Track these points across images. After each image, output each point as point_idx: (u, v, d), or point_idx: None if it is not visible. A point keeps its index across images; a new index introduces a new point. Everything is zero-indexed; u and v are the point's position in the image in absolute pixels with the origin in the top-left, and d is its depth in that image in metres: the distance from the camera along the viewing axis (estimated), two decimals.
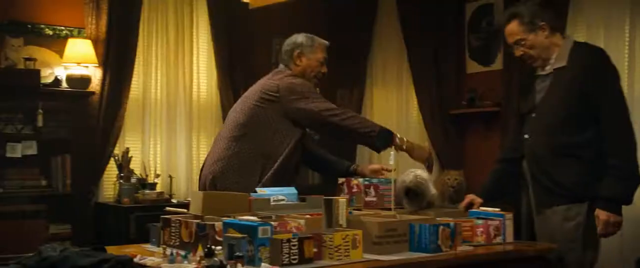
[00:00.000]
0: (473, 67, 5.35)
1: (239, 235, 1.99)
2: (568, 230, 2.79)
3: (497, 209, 2.72)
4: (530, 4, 2.95)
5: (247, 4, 3.12)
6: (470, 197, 2.97)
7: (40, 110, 4.42)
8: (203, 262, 1.96)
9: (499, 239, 2.61)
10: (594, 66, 2.81)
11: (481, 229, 2.58)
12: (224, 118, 5.33)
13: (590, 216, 2.77)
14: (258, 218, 2.16)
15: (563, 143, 2.81)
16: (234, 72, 5.41)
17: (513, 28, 2.90)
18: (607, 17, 4.34)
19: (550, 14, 2.93)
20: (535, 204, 2.94)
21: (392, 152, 2.76)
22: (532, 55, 2.90)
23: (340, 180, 2.96)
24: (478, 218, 2.63)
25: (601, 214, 2.72)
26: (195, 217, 2.42)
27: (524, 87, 3.11)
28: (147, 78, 5.11)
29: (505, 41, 3.02)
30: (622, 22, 4.28)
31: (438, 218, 2.50)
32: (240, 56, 5.46)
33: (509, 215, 2.65)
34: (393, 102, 5.86)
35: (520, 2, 3.07)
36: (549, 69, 2.90)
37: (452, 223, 2.37)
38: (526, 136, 2.93)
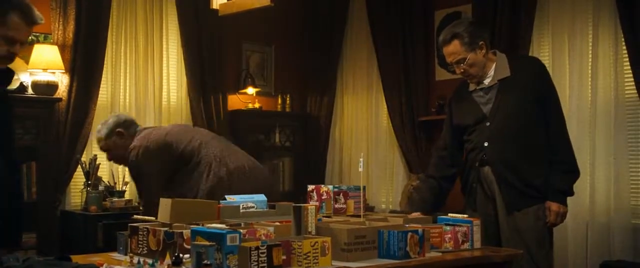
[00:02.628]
0: (442, 74, 5.40)
1: (207, 243, 1.97)
2: (539, 229, 2.98)
3: (464, 216, 2.76)
4: (468, 23, 3.12)
5: (216, 10, 3.11)
6: (415, 215, 2.98)
7: None
8: None
9: (467, 245, 2.63)
10: (541, 73, 3.08)
11: (449, 235, 2.60)
12: (194, 125, 5.32)
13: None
14: (226, 225, 2.15)
15: (530, 145, 3.01)
16: (204, 78, 5.39)
17: (454, 48, 3.07)
18: (571, 22, 4.43)
19: (487, 32, 3.16)
20: (504, 207, 3.01)
21: (361, 159, 2.77)
22: (471, 72, 3.09)
23: (310, 187, 2.96)
24: (446, 224, 2.65)
25: (553, 206, 2.97)
26: (163, 224, 2.40)
27: (458, 102, 3.23)
28: (116, 84, 5.06)
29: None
30: (585, 23, 4.38)
31: (406, 225, 2.52)
32: (210, 62, 5.44)
33: (477, 222, 2.69)
34: (363, 108, 5.89)
35: (458, 22, 3.21)
36: (489, 81, 3.06)
37: (420, 230, 2.39)
38: (486, 144, 3.02)
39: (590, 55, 4.32)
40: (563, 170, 3.00)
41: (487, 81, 3.10)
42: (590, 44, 4.32)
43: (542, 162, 3.00)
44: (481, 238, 2.70)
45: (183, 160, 3.38)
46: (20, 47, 2.39)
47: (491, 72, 3.09)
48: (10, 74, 2.52)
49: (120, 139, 3.48)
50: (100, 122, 3.63)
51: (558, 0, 4.53)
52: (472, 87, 3.17)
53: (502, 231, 3.06)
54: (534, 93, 3.00)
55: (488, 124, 3.06)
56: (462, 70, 3.08)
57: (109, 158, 3.65)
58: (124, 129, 3.49)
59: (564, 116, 3.10)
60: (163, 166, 3.38)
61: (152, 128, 3.67)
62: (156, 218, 2.58)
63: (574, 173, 3.05)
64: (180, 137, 3.44)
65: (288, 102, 6.07)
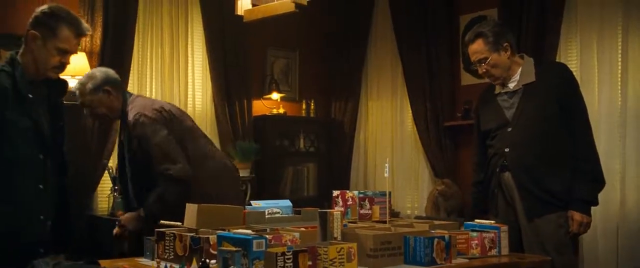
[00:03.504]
0: (467, 79, 5.36)
1: (234, 249, 1.98)
2: (560, 237, 2.93)
3: (492, 221, 2.73)
4: (494, 24, 3.12)
5: (241, 16, 3.12)
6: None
7: None
8: None
9: (494, 252, 2.60)
10: (567, 79, 3.02)
11: (476, 242, 2.57)
12: (219, 130, 5.36)
13: None
14: (252, 231, 2.15)
15: (551, 153, 2.96)
16: (229, 83, 5.42)
17: (478, 47, 3.07)
18: (600, 26, 4.37)
19: (512, 34, 3.10)
20: (524, 214, 2.98)
21: (386, 165, 2.76)
22: (493, 73, 3.06)
23: (335, 192, 2.96)
24: (473, 230, 2.62)
25: (575, 215, 2.92)
26: (190, 230, 2.41)
27: (483, 105, 3.21)
28: (142, 90, 5.10)
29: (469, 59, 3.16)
30: (615, 27, 4.31)
31: (433, 231, 2.49)
32: (234, 68, 5.46)
33: (504, 228, 2.65)
34: (388, 114, 5.87)
35: (485, 22, 3.21)
36: (513, 85, 3.02)
37: (447, 236, 2.36)
38: (507, 150, 2.99)
39: (619, 60, 4.24)
40: (588, 180, 2.94)
41: (511, 85, 3.07)
42: (620, 48, 4.25)
43: (564, 169, 2.95)
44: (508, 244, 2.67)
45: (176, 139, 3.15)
46: (70, 56, 2.58)
47: (516, 76, 3.06)
48: (64, 84, 2.72)
49: (107, 98, 3.19)
50: (85, 74, 3.29)
51: (586, 4, 4.45)
52: (497, 89, 3.14)
53: (523, 238, 3.03)
54: (558, 99, 2.96)
55: (510, 129, 3.03)
56: (484, 70, 3.07)
57: (88, 115, 3.37)
58: (112, 88, 3.20)
59: (590, 124, 3.03)
60: (172, 135, 3.13)
61: (146, 97, 3.58)
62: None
63: (599, 182, 2.99)
64: (179, 115, 3.33)
65: (312, 107, 6.07)
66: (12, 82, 2.47)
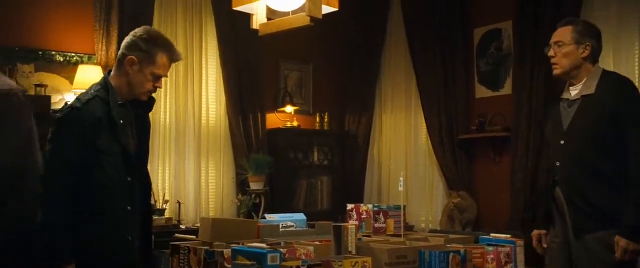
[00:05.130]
0: (482, 92, 5.34)
1: (248, 263, 1.97)
2: (609, 257, 2.78)
3: (508, 236, 2.70)
4: (590, 24, 3.04)
5: (256, 30, 3.13)
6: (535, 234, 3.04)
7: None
8: None
9: (510, 266, 2.57)
10: (623, 92, 2.86)
11: (492, 256, 2.54)
12: (233, 143, 5.37)
13: None
14: (267, 245, 2.14)
15: (600, 170, 2.84)
16: (243, 97, 5.43)
17: (563, 31, 2.97)
18: (617, 37, 4.34)
19: (598, 43, 2.97)
20: (573, 229, 2.92)
21: (401, 178, 2.74)
22: (560, 62, 2.95)
23: (350, 206, 2.95)
24: (489, 245, 2.60)
25: (621, 241, 2.74)
26: (204, 243, 2.41)
27: (549, 110, 3.13)
28: (157, 104, 5.05)
29: (544, 54, 3.07)
30: (632, 40, 4.28)
31: (448, 245, 2.47)
32: (248, 81, 5.48)
33: (520, 242, 2.62)
34: (402, 127, 5.86)
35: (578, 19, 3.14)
36: (575, 94, 2.94)
37: (462, 251, 2.34)
38: (557, 164, 2.94)
39: (637, 72, 4.21)
40: (636, 205, 2.74)
41: (573, 93, 2.97)
42: (637, 60, 4.22)
43: (616, 187, 2.81)
44: (524, 258, 2.63)
45: None
46: (162, 81, 2.64)
47: (580, 85, 2.96)
48: (152, 101, 2.76)
49: None
50: None
51: (603, 17, 4.42)
52: (564, 94, 3.03)
53: (573, 255, 2.94)
54: (612, 115, 2.83)
55: (562, 142, 2.94)
56: (553, 54, 2.97)
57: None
58: None
59: None
60: None
61: None
62: None
63: None
64: None
65: (326, 120, 6.07)
66: (106, 110, 2.50)
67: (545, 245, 3.04)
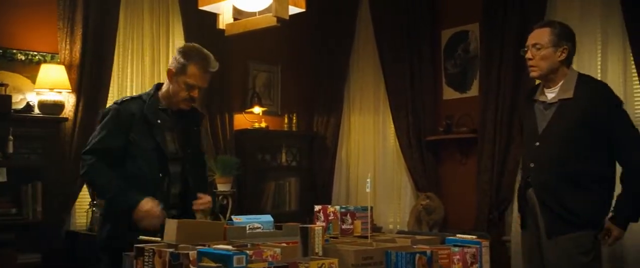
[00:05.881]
0: (449, 93, 5.38)
1: (214, 265, 1.95)
2: (579, 258, 2.87)
3: (473, 237, 2.71)
4: (567, 26, 3.06)
5: (223, 30, 3.10)
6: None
7: (11, 137, 4.33)
8: None
9: (475, 267, 2.59)
10: (601, 98, 2.93)
11: (458, 257, 2.56)
12: None
13: (597, 244, 2.91)
14: (233, 247, 2.12)
15: (574, 173, 2.89)
16: (210, 97, 5.38)
17: (541, 33, 3.00)
18: (579, 42, 4.39)
19: (574, 45, 3.02)
20: (545, 230, 2.96)
21: (368, 180, 2.74)
22: (538, 64, 2.99)
23: (317, 207, 2.93)
24: (455, 245, 2.61)
25: (615, 231, 2.89)
26: (169, 245, 2.37)
27: (524, 109, 3.17)
28: None
29: (523, 51, 3.09)
30: (594, 41, 4.35)
31: (415, 246, 2.48)
32: (216, 81, 5.43)
33: (486, 243, 2.64)
34: (370, 128, 5.87)
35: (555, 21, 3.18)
36: (552, 97, 2.96)
37: (428, 251, 2.35)
38: (532, 165, 2.96)
39: (599, 72, 4.28)
40: (636, 199, 2.89)
41: (550, 95, 3.01)
42: (599, 61, 4.30)
43: (590, 190, 2.89)
44: (490, 259, 2.66)
45: None
46: (198, 91, 2.96)
47: (557, 88, 3.00)
48: (199, 116, 3.15)
49: None
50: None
51: (565, 17, 4.48)
52: (538, 95, 3.06)
53: (544, 255, 2.98)
54: (591, 120, 2.89)
55: (537, 144, 2.98)
56: (531, 57, 3.00)
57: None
58: None
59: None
60: None
61: None
62: None
63: None
64: None
65: (294, 121, 6.06)
66: (140, 109, 2.90)
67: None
